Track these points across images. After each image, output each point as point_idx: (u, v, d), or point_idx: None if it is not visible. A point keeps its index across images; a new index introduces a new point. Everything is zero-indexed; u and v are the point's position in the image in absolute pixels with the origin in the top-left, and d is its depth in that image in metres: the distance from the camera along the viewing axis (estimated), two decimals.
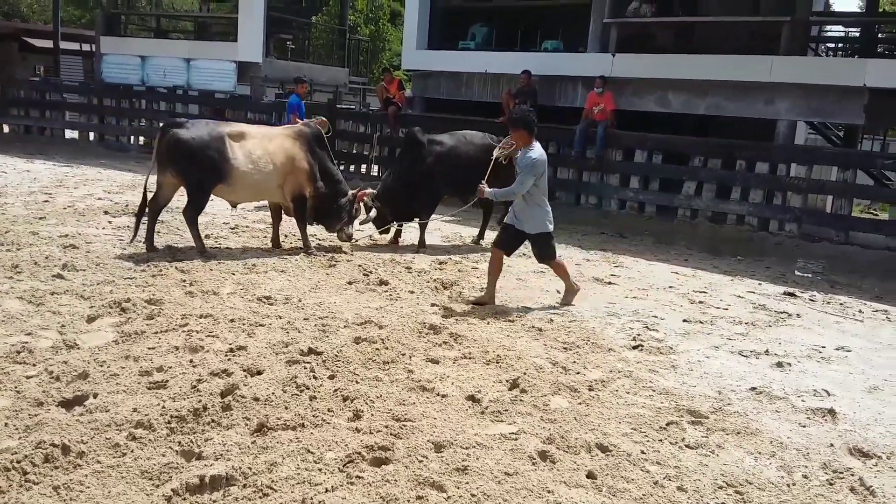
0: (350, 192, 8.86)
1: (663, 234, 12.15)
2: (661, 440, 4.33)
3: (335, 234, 9.00)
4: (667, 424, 4.54)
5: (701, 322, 7.05)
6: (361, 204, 9.00)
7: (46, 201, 10.47)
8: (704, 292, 8.34)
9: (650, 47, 14.50)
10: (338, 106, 16.92)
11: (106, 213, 9.94)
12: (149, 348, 5.09)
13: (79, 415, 4.08)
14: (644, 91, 13.93)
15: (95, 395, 4.30)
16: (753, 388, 5.31)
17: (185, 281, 6.88)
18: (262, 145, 8.14)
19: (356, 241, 9.30)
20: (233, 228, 9.73)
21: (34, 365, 4.70)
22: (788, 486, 3.91)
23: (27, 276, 6.61)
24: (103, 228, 9.08)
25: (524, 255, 9.61)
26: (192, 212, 8.01)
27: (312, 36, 26.36)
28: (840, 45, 18.68)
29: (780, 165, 12.08)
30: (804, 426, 4.74)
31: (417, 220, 9.47)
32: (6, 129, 18.27)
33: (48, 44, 23.83)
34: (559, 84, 15.09)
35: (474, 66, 15.90)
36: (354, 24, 35.42)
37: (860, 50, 16.79)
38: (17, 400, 4.16)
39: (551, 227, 7.20)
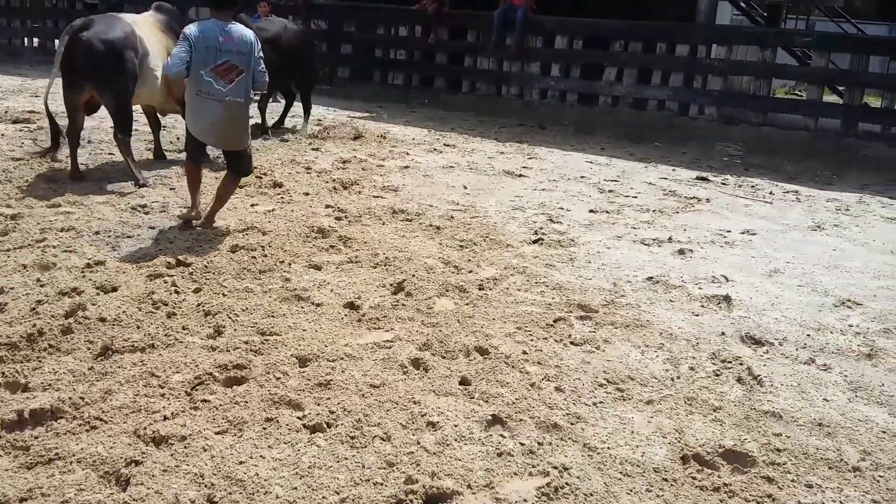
0: None
1: (584, 124, 11.85)
2: (545, 339, 4.10)
3: None
4: (554, 321, 4.31)
5: (607, 212, 6.81)
6: None
7: None
8: (616, 181, 8.11)
9: None
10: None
11: None
12: None
13: None
14: None
15: None
16: (650, 278, 5.12)
17: (53, 189, 6.29)
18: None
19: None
20: None
21: None
22: (672, 380, 3.73)
23: None
24: None
25: (434, 150, 9.24)
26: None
27: None
28: None
29: (700, 47, 11.74)
30: (697, 315, 4.58)
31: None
32: None
33: None
34: None
35: None
36: None
37: None
38: None
39: (187, 124, 5.50)
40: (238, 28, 5.32)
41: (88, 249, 4.99)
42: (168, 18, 7.22)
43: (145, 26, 6.91)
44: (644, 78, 12.10)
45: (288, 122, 10.10)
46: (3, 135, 8.33)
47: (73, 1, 16.81)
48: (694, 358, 3.99)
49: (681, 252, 5.73)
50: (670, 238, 6.06)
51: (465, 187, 7.46)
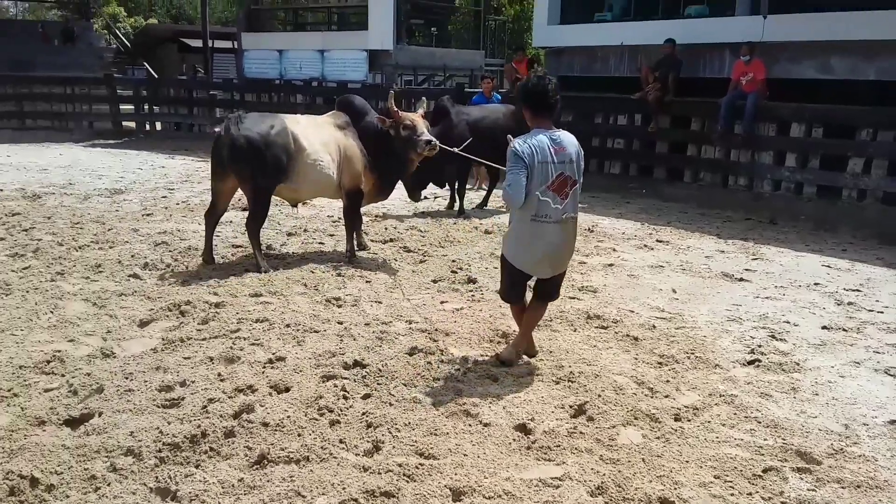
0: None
1: (824, 220, 10.55)
2: (749, 494, 3.38)
3: None
4: (763, 471, 3.57)
5: (844, 330, 5.80)
6: None
7: (165, 197, 10.67)
8: (858, 291, 6.97)
9: (807, 6, 12.71)
10: (466, 89, 16.34)
11: None
12: (184, 358, 4.75)
13: (75, 437, 3.76)
14: (802, 56, 12.25)
15: (100, 414, 3.97)
16: (894, 422, 4.15)
17: (259, 279, 6.53)
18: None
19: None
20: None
21: (62, 376, 4.47)
22: None
23: (105, 276, 6.55)
24: None
25: (644, 246, 8.63)
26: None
27: (450, 20, 25.98)
28: None
29: None
30: None
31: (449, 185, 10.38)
32: (158, 126, 19.23)
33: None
34: (705, 53, 13.67)
35: (610, 38, 14.80)
36: (499, 5, 34.69)
37: None
38: (17, 418, 3.90)
39: (511, 257, 4.78)
40: (566, 135, 4.57)
41: (275, 343, 5.03)
42: (348, 119, 7.37)
43: (309, 124, 7.16)
44: None
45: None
46: (231, 221, 8.99)
47: (311, 95, 18.40)
48: None
49: None
50: None
51: (674, 291, 6.78)
